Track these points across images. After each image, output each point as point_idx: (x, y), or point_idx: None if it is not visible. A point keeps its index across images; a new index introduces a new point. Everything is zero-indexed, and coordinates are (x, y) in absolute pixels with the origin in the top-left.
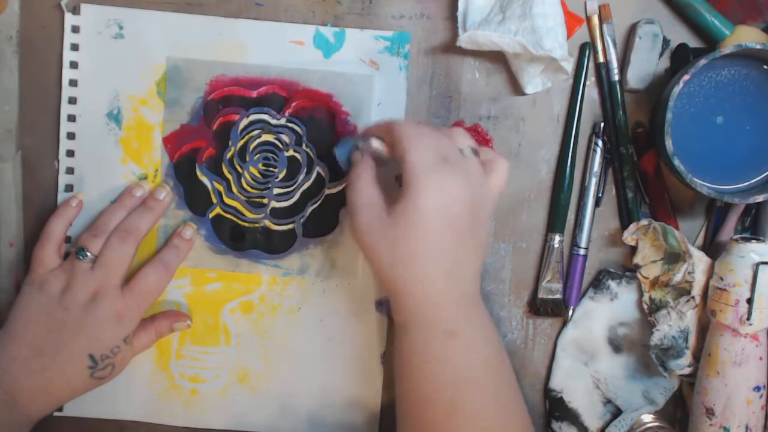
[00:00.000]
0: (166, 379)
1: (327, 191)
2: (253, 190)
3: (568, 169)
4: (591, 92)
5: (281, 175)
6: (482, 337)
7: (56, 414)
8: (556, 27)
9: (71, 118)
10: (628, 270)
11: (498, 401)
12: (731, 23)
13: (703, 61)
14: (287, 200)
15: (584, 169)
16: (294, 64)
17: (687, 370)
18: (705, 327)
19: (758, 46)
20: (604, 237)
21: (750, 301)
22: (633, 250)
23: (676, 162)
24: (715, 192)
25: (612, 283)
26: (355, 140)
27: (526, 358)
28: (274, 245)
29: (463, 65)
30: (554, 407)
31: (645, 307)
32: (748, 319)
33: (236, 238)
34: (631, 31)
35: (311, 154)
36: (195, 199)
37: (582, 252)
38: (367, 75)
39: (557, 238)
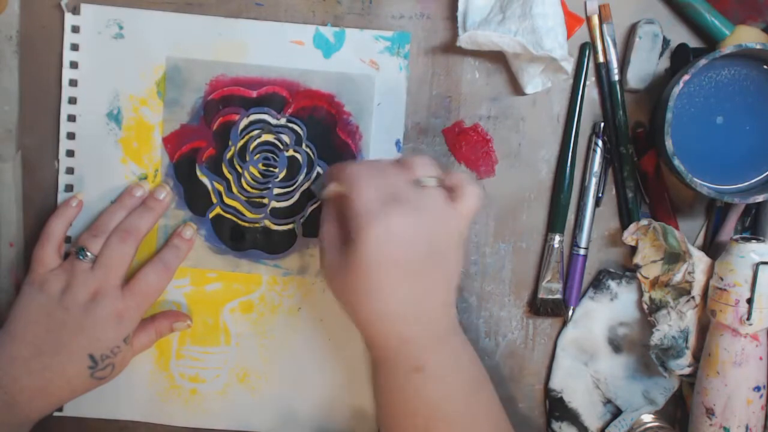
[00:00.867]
0: (166, 379)
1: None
2: (253, 190)
3: (568, 169)
4: (591, 92)
5: (281, 175)
6: (454, 370)
7: (56, 414)
8: (556, 27)
9: (71, 118)
10: (628, 270)
11: (475, 430)
12: (731, 23)
13: (703, 61)
14: (287, 200)
15: (584, 169)
16: (294, 64)
17: (687, 370)
18: (705, 327)
19: (758, 46)
20: (604, 237)
21: (750, 301)
22: (633, 250)
23: (676, 162)
24: (715, 192)
25: (612, 283)
26: (323, 179)
27: (526, 358)
28: (274, 245)
29: (463, 65)
30: (554, 407)
31: (645, 307)
32: (748, 319)
33: (236, 238)
34: (631, 31)
35: (311, 154)
36: (195, 199)
37: (582, 252)
38: (367, 75)
39: (557, 238)
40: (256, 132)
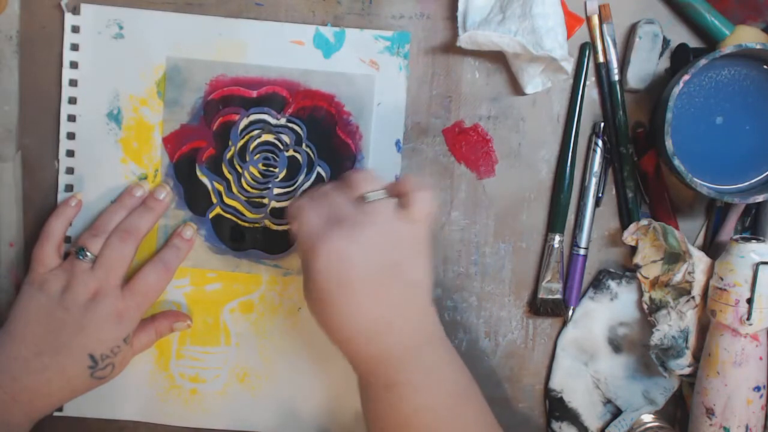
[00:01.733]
0: (166, 379)
1: None
2: (253, 190)
3: (568, 169)
4: (591, 92)
5: (281, 175)
6: (433, 382)
7: (56, 414)
8: (556, 27)
9: (71, 118)
10: (628, 270)
11: None
12: (731, 23)
13: (703, 61)
14: (287, 200)
15: (584, 169)
16: (294, 64)
17: (687, 370)
18: (705, 327)
19: (758, 46)
20: (604, 237)
21: (750, 301)
22: (633, 250)
23: (676, 162)
24: (715, 192)
25: (612, 283)
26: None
27: (526, 358)
28: (274, 245)
29: (463, 65)
30: (554, 407)
31: (645, 307)
32: (748, 319)
33: (236, 238)
34: (631, 31)
35: (311, 154)
36: (195, 199)
37: (582, 252)
38: (367, 75)
39: (557, 238)
40: (256, 132)
